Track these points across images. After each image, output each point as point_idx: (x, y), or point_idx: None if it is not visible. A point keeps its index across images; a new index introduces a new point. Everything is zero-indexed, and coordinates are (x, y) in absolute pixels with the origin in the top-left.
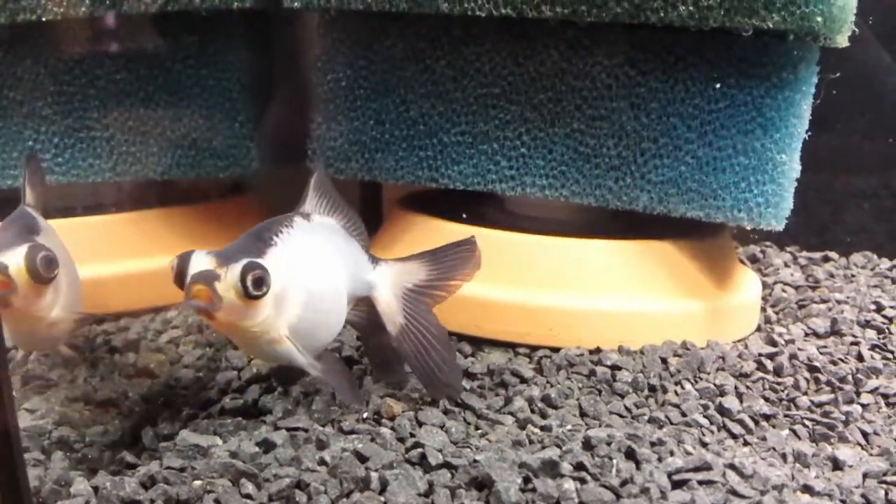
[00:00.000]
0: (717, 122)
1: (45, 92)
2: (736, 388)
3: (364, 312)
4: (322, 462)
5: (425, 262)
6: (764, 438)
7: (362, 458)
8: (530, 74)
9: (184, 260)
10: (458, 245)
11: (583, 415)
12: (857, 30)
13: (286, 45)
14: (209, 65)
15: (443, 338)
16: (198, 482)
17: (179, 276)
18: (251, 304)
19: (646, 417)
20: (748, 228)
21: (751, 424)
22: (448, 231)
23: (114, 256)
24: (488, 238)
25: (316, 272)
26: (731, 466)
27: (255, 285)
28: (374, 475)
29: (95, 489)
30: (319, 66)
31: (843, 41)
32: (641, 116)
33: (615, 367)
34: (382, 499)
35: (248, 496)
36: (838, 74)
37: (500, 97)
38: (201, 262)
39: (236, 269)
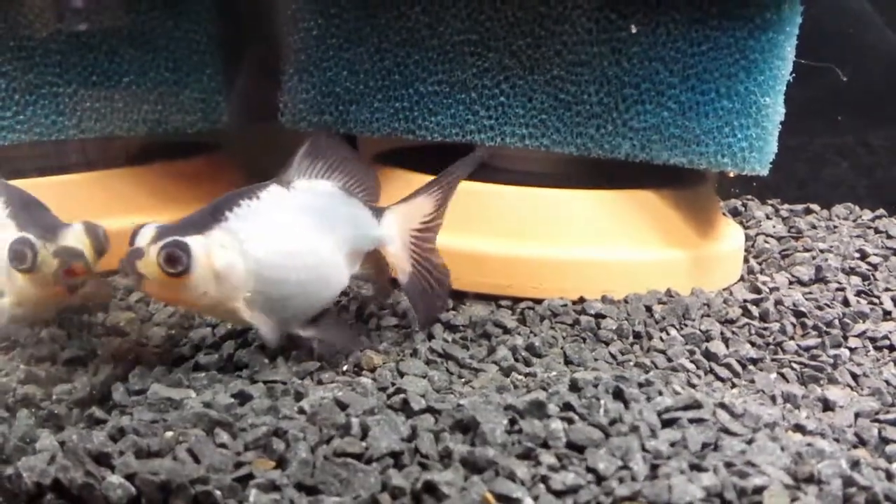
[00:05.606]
0: (700, 66)
1: (4, 47)
2: (722, 333)
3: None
4: (301, 411)
5: (431, 193)
6: (752, 381)
7: (342, 406)
8: (508, 20)
9: (135, 231)
10: (461, 163)
11: (567, 362)
12: None
13: None
14: (176, 15)
15: (444, 277)
16: (169, 433)
17: (129, 247)
18: (176, 281)
19: (631, 363)
20: (731, 175)
21: (738, 368)
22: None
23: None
24: (469, 190)
25: (283, 243)
26: (722, 405)
27: (170, 264)
28: (354, 421)
29: (62, 443)
30: (290, 15)
31: None
32: (623, 61)
33: (599, 316)
34: (364, 444)
35: (223, 445)
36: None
37: (478, 44)
38: (142, 236)
39: (155, 248)
